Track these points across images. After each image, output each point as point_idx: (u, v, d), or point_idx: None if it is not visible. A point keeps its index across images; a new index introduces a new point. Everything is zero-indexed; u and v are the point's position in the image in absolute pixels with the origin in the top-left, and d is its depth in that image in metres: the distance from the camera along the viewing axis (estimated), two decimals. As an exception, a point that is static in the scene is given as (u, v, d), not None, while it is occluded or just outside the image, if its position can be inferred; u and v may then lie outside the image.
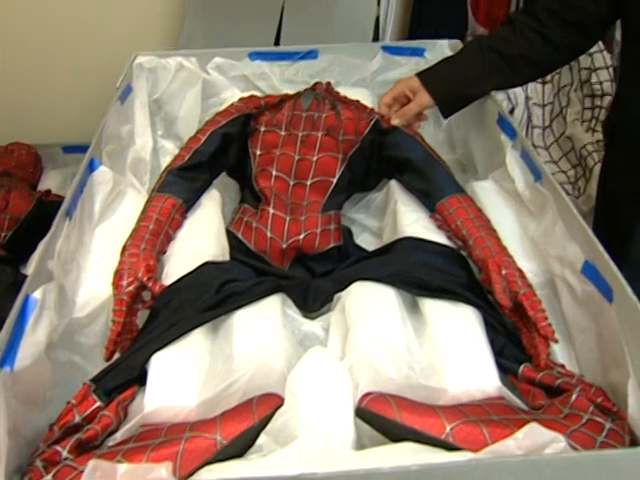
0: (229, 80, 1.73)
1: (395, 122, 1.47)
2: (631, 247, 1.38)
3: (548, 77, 2.07)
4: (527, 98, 2.05)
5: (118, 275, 1.12)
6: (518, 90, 2.04)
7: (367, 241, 1.45)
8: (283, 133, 1.42)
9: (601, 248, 1.01)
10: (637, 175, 1.35)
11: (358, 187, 1.47)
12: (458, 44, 1.73)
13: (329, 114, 1.45)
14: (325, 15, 1.88)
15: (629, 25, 1.36)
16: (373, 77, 1.75)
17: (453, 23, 2.29)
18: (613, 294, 0.97)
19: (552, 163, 2.03)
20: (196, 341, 1.02)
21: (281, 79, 1.73)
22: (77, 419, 0.93)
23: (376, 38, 2.21)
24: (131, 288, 1.10)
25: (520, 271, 1.13)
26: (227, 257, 1.27)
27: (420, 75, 1.50)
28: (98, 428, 0.91)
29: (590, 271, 1.03)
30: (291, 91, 1.62)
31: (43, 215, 1.49)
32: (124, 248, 1.18)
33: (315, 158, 1.38)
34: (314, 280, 1.23)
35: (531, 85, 2.05)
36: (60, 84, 2.43)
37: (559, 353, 1.08)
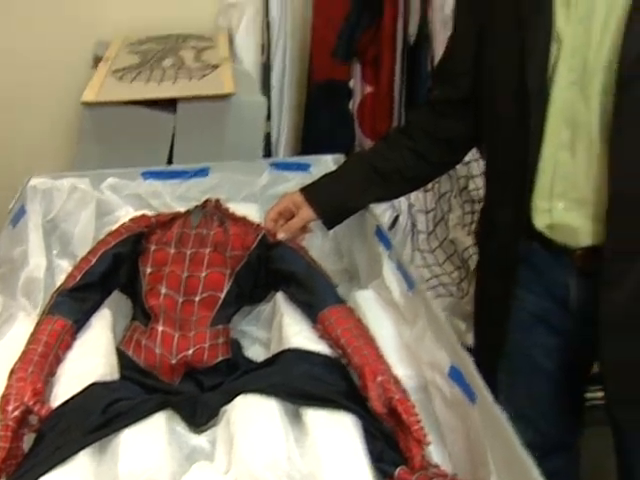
0: (123, 199, 1.79)
1: (281, 236, 1.55)
2: (505, 348, 1.47)
3: (429, 185, 2.21)
4: (410, 205, 2.18)
5: (4, 400, 1.14)
6: (402, 198, 2.16)
7: (258, 352, 1.50)
8: (172, 251, 1.48)
9: (464, 354, 1.10)
10: (504, 279, 1.46)
11: (247, 300, 1.53)
12: (341, 158, 1.84)
13: (217, 231, 1.52)
14: (216, 133, 1.96)
15: (487, 145, 1.50)
16: (262, 192, 1.83)
17: (343, 135, 2.43)
18: (476, 397, 1.05)
19: (437, 266, 2.14)
20: (81, 463, 1.04)
21: (173, 197, 1.80)
22: None
23: (268, 153, 2.32)
24: (17, 413, 1.11)
25: (395, 377, 1.19)
26: (116, 376, 1.29)
27: (303, 190, 1.59)
28: None
29: (456, 375, 1.10)
30: (183, 208, 1.68)
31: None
32: (12, 372, 1.20)
33: (203, 274, 1.44)
34: (203, 394, 1.27)
35: (414, 193, 2.18)
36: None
37: (434, 453, 1.14)
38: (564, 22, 1.27)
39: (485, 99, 1.43)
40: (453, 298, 2.01)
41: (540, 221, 1.37)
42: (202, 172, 1.81)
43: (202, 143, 1.95)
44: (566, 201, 1.33)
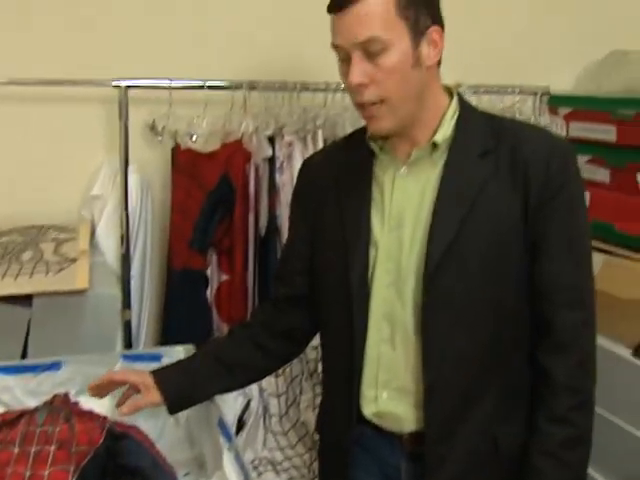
0: (-27, 394, 1.80)
1: (124, 411, 1.59)
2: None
3: (280, 370, 2.31)
4: (262, 390, 2.26)
5: None
6: (253, 384, 2.24)
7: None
8: (16, 450, 1.49)
9: None
10: (341, 462, 1.55)
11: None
12: (191, 349, 1.92)
13: (62, 427, 1.55)
14: (71, 327, 2.01)
15: (320, 338, 1.63)
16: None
17: (200, 323, 2.51)
18: None
19: (290, 448, 2.21)
20: None
21: (24, 391, 1.81)
22: None
23: (129, 343, 2.37)
24: None
25: None
26: None
27: (155, 374, 1.64)
28: None
29: None
30: (34, 403, 1.70)
31: None
32: None
33: (46, 472, 1.45)
34: None
35: (265, 378, 2.26)
36: None
37: None
38: (379, 230, 1.45)
39: (317, 296, 1.57)
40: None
41: (368, 409, 1.49)
42: (55, 366, 1.85)
43: (57, 336, 1.99)
44: (389, 390, 1.46)
